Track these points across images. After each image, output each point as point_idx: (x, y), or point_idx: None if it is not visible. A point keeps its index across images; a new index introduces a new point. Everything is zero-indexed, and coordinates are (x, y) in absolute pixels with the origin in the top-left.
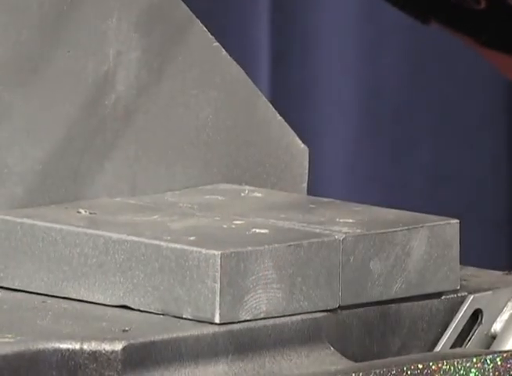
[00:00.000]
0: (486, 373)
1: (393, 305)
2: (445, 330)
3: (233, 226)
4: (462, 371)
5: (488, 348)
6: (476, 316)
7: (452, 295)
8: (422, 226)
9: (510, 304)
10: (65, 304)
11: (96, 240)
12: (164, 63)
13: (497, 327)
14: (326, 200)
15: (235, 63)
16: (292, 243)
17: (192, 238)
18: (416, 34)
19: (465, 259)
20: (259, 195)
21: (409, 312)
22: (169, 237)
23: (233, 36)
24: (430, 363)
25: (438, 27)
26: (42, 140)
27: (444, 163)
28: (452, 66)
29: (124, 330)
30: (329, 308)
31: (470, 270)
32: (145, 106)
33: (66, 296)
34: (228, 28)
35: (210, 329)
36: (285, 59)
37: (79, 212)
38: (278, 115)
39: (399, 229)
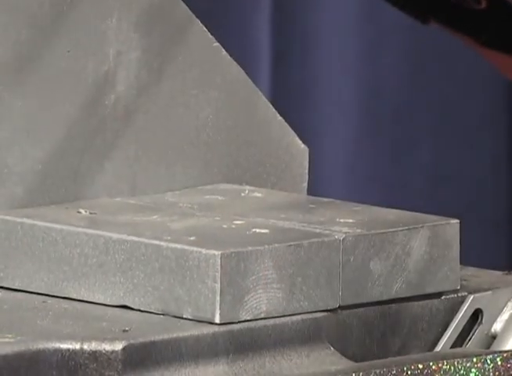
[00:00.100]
0: (486, 373)
1: (393, 305)
2: (446, 330)
3: (233, 226)
4: (462, 371)
5: (488, 348)
6: (476, 316)
7: (452, 295)
8: (422, 226)
9: (510, 304)
10: (65, 304)
11: (96, 240)
12: (164, 63)
13: (497, 326)
14: (326, 200)
15: (235, 63)
16: (292, 243)
17: (192, 238)
18: (416, 34)
19: (465, 259)
20: (259, 195)
21: (409, 312)
22: (169, 237)
23: (233, 36)
24: (431, 363)
25: (438, 27)
26: (42, 140)
27: (444, 163)
28: (452, 66)
29: (124, 330)
30: (329, 308)
31: (471, 270)
32: (145, 106)
33: (66, 296)
34: (229, 28)
35: (211, 329)
36: (285, 59)
37: (79, 212)
38: (278, 115)
39: (399, 229)
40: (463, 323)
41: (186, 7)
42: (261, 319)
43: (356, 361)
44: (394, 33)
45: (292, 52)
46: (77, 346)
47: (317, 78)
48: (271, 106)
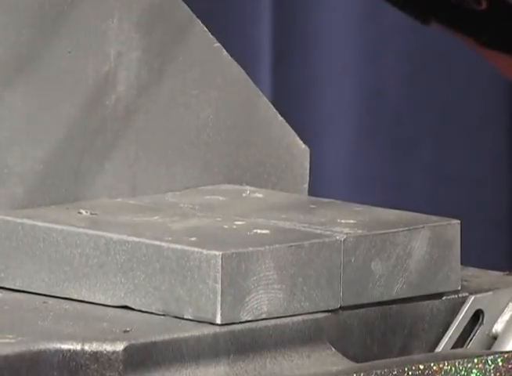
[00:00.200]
0: (487, 373)
1: (394, 305)
2: (446, 330)
3: (234, 227)
4: (463, 372)
5: (489, 348)
6: (477, 316)
7: (453, 296)
8: (423, 227)
9: (510, 304)
10: (66, 304)
11: (97, 240)
12: (165, 63)
13: (498, 327)
14: (326, 200)
15: (235, 63)
16: (293, 243)
17: (193, 239)
18: (416, 34)
19: (466, 260)
20: (260, 195)
21: (410, 313)
22: (170, 238)
23: (234, 36)
24: (432, 364)
25: (438, 27)
26: (42, 140)
27: (444, 163)
28: (452, 66)
29: (125, 331)
30: (330, 308)
31: (471, 271)
32: (145, 107)
33: (67, 297)
34: (229, 28)
35: (212, 329)
36: (285, 60)
37: (80, 213)
38: (279, 115)
39: (400, 229)
40: (464, 323)
41: (187, 7)
42: (262, 319)
43: (357, 362)
44: (394, 33)
45: (292, 53)
46: (78, 347)
47: (317, 78)
48: (271, 106)
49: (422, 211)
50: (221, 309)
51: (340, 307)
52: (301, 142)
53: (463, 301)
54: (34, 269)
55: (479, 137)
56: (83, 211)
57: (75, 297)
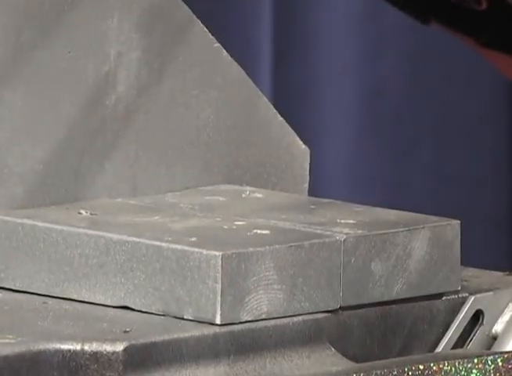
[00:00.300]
0: (487, 374)
1: (394, 305)
2: (446, 330)
3: (234, 227)
4: (463, 372)
5: (489, 349)
6: (477, 316)
7: (453, 296)
8: (423, 227)
9: (510, 305)
10: (66, 305)
11: (97, 240)
12: (165, 63)
13: (498, 327)
14: (326, 200)
15: (235, 63)
16: (293, 244)
17: (193, 239)
18: (416, 34)
19: (466, 260)
20: (260, 196)
21: (410, 313)
22: (170, 238)
23: (234, 36)
24: (431, 364)
25: (438, 27)
26: (43, 140)
27: (444, 163)
28: (452, 66)
29: (125, 331)
30: (330, 309)
31: (471, 271)
32: (145, 107)
33: (67, 297)
34: (229, 28)
35: (211, 330)
36: (285, 60)
37: (80, 213)
38: (278, 115)
39: (400, 229)
40: (464, 323)
41: (187, 7)
42: (262, 320)
43: (357, 362)
44: (394, 33)
45: (292, 53)
46: (78, 347)
47: (317, 78)
48: (271, 106)
49: (422, 211)
50: (221, 309)
51: (340, 307)
52: (300, 142)
53: (463, 301)
54: (34, 269)
55: (479, 137)
56: (83, 212)
57: (75, 297)
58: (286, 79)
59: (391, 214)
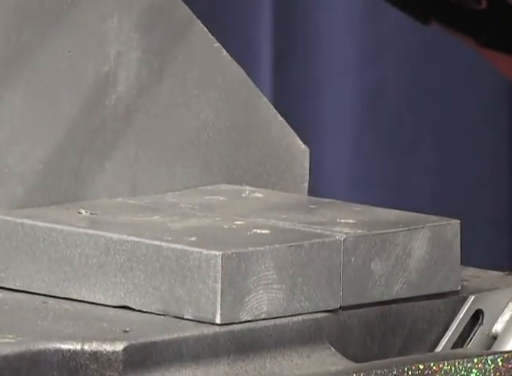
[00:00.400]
0: (487, 373)
1: (394, 305)
2: (446, 330)
3: (234, 227)
4: (463, 372)
5: (489, 348)
6: (477, 316)
7: (453, 296)
8: (423, 227)
9: (510, 304)
10: (66, 304)
11: (97, 240)
12: (165, 63)
13: (498, 327)
14: (326, 200)
15: (235, 63)
16: (293, 243)
17: (192, 238)
18: (416, 34)
19: (466, 260)
20: (260, 195)
21: (410, 313)
22: (170, 238)
23: (234, 36)
24: (431, 364)
25: (438, 27)
26: (43, 140)
27: (444, 163)
28: (452, 66)
29: (124, 331)
30: (330, 308)
31: (471, 271)
32: (145, 107)
33: (67, 296)
34: (229, 28)
35: (211, 329)
36: (286, 60)
37: (80, 213)
38: (278, 115)
39: (400, 229)
40: (464, 323)
41: (187, 7)
42: (262, 319)
43: (357, 362)
44: (394, 33)
45: (292, 53)
46: (78, 347)
47: (317, 78)
48: (271, 106)
49: (422, 211)
50: (221, 308)
51: (340, 307)
52: (300, 142)
53: (463, 301)
54: (34, 269)
55: (479, 137)
56: (83, 211)
57: (75, 297)
58: (286, 79)
59: (391, 214)
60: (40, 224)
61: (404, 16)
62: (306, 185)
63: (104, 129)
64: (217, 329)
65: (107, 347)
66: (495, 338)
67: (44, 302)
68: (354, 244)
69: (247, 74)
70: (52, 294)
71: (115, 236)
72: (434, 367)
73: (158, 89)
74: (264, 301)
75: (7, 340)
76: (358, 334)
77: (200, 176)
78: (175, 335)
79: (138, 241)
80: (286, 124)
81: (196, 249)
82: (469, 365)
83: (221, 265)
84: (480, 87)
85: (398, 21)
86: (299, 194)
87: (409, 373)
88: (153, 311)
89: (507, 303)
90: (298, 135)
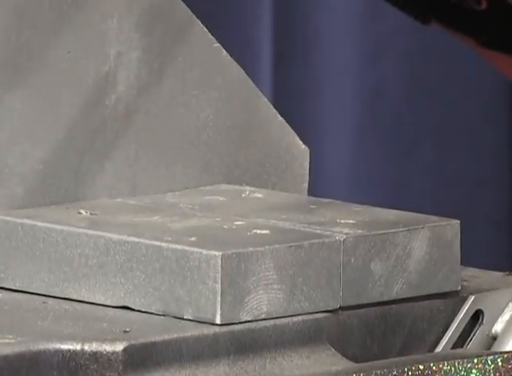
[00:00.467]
0: (487, 373)
1: (394, 305)
2: (446, 330)
3: (234, 227)
4: (463, 372)
5: (489, 348)
6: (477, 316)
7: (453, 296)
8: (423, 227)
9: (510, 304)
10: (66, 305)
11: (97, 240)
12: (165, 63)
13: (498, 327)
14: (326, 200)
15: (235, 63)
16: (293, 243)
17: (192, 239)
18: (416, 34)
19: (465, 260)
20: (260, 196)
21: (410, 313)
22: (170, 238)
23: (234, 36)
24: (431, 364)
25: (438, 27)
26: (42, 140)
27: (444, 163)
28: (452, 66)
29: (124, 331)
30: (329, 308)
31: (471, 271)
32: (145, 107)
33: (66, 297)
34: (229, 28)
35: (211, 330)
36: (286, 60)
37: (80, 213)
38: (278, 115)
39: (400, 229)
40: (464, 323)
41: (187, 7)
42: (262, 319)
43: (357, 362)
44: (394, 33)
45: (292, 53)
46: (78, 347)
47: (317, 78)
48: (271, 106)
49: (422, 211)
50: (220, 309)
51: (339, 307)
52: (300, 142)
53: (462, 301)
54: (34, 269)
55: (479, 137)
56: (83, 211)
57: (75, 297)
58: (286, 79)
59: (391, 214)
60: (40, 224)
61: (404, 16)
62: (306, 185)
63: (104, 129)
64: (217, 329)
65: (107, 347)
66: (495, 338)
67: (44, 302)
68: (354, 245)
69: (247, 74)
70: (52, 295)
71: (115, 236)
72: (434, 367)
73: (158, 89)
74: (264, 302)
75: (7, 340)
76: (358, 335)
77: (200, 176)
78: (175, 335)
79: (138, 241)
80: (286, 124)
81: (196, 249)
82: (469, 365)
83: (221, 265)
84: (480, 87)
85: (398, 21)
86: (299, 194)
87: (409, 373)
88: (153, 311)
89: (507, 303)
90: (298, 135)
